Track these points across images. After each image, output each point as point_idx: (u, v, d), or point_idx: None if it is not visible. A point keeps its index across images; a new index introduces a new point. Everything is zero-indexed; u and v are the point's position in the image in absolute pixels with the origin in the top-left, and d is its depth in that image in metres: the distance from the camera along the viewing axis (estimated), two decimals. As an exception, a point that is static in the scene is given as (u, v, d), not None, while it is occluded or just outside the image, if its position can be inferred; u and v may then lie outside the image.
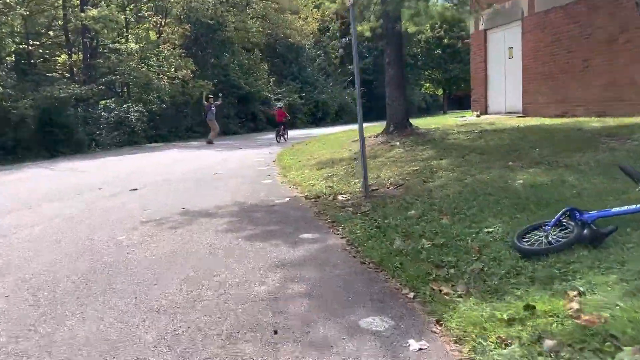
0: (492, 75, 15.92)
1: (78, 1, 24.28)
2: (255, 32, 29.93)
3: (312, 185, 7.68)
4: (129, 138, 23.00)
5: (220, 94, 23.08)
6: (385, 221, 4.96)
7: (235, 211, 6.49)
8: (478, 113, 15.72)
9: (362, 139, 6.30)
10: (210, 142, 20.53)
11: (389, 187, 6.63)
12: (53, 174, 12.25)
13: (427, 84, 54.58)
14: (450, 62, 48.73)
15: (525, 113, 13.84)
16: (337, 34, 45.18)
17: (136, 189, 8.80)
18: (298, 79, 37.82)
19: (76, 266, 4.46)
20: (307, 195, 7.13)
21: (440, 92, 55.93)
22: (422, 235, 4.39)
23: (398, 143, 9.77)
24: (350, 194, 6.70)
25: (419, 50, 50.77)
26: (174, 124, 26.03)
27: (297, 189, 7.86)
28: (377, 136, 11.27)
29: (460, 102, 57.97)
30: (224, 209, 6.64)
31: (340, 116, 40.75)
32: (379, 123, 28.90)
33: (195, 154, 16.16)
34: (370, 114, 45.63)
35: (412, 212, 5.11)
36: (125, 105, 23.58)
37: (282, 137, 20.07)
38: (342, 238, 4.86)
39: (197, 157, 14.92)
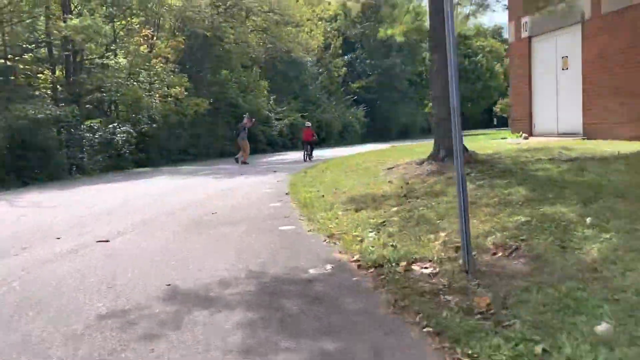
0: (539, 90, 13.64)
1: (60, 12, 22.03)
2: (256, 45, 27.64)
3: (360, 240, 5.24)
4: (114, 162, 20.56)
5: (252, 117, 22.01)
6: (561, 351, 2.52)
7: (252, 293, 4.04)
8: (525, 135, 13.37)
9: (462, 177, 3.88)
10: (245, 163, 19.43)
11: (496, 254, 4.19)
12: (9, 211, 9.77)
13: (430, 103, 52.55)
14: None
15: (587, 135, 11.52)
16: (340, 51, 43.14)
17: (106, 241, 6.34)
18: (300, 98, 35.61)
19: None
20: (358, 260, 4.68)
21: (444, 111, 53.87)
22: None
23: (459, 174, 7.34)
24: (432, 261, 4.27)
25: (423, 68, 48.78)
26: (165, 146, 23.60)
27: (336, 244, 5.41)
28: (421, 163, 8.86)
29: (463, 122, 55.93)
30: (232, 288, 4.19)
31: (343, 137, 38.45)
32: (391, 144, 26.55)
33: (188, 182, 13.72)
34: (372, 134, 43.50)
35: (603, 326, 2.68)
36: (111, 126, 21.14)
37: (308, 157, 19.91)
38: (482, 390, 2.41)
39: (190, 187, 12.48)
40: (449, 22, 3.86)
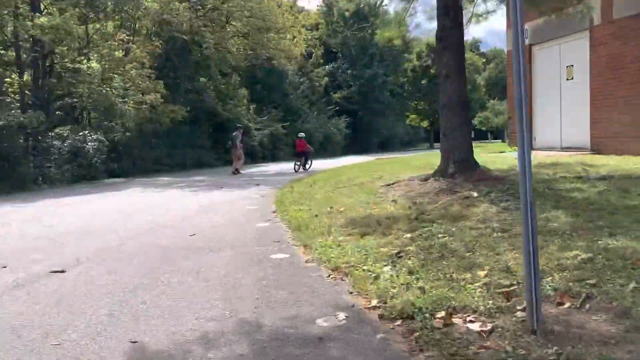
0: (540, 101, 12.88)
1: (30, 12, 20.68)
2: (236, 52, 26.56)
3: (374, 277, 4.26)
4: (84, 172, 19.26)
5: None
6: None
7: (246, 358, 3.02)
8: (528, 148, 12.56)
9: (531, 207, 2.92)
10: (235, 172, 19.56)
11: (562, 304, 3.26)
12: (-45, 229, 8.54)
13: (413, 115, 52.01)
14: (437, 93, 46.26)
15: (596, 149, 10.77)
16: (321, 61, 42.38)
17: (62, 271, 5.26)
18: (280, 107, 34.62)
19: None
20: (378, 306, 3.70)
21: (425, 124, 53.36)
22: None
23: (476, 194, 6.43)
24: (477, 312, 3.31)
25: (405, 79, 48.31)
26: (139, 156, 22.35)
27: (344, 281, 4.43)
28: (426, 179, 7.93)
29: (438, 136, 55.44)
30: (219, 348, 3.17)
31: (325, 148, 37.54)
32: (375, 157, 25.67)
33: (162, 196, 12.60)
34: (354, 146, 42.63)
35: None
36: (81, 134, 19.85)
37: (300, 167, 19.76)
38: None
39: (165, 202, 11.38)
40: (517, 13, 2.90)
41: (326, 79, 41.82)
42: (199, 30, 23.41)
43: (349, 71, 44.77)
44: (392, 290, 3.91)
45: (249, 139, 28.26)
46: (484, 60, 70.35)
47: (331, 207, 7.81)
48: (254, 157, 29.32)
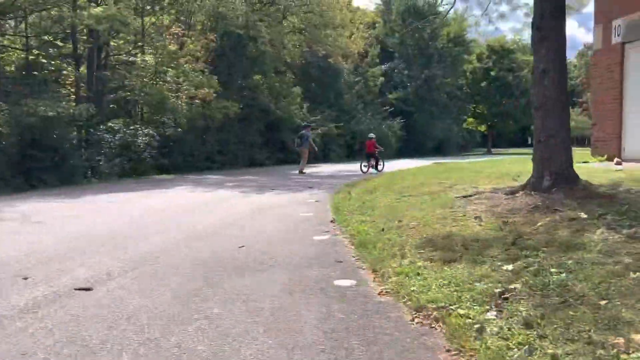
0: (633, 106, 11.42)
1: (87, 3, 20.49)
2: (292, 47, 25.77)
3: (476, 329, 3.20)
4: (134, 167, 18.92)
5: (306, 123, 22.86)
6: None
7: None
8: (618, 159, 11.14)
9: None
10: (302, 172, 19.06)
11: None
12: (-11, 226, 7.95)
13: (470, 119, 49.97)
14: (499, 96, 44.10)
15: None
16: (377, 60, 41.17)
17: (89, 289, 4.44)
18: (334, 107, 33.66)
19: None
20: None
21: (483, 128, 51.19)
22: None
23: (584, 215, 5.24)
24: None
25: (464, 81, 46.47)
26: (190, 152, 21.88)
27: (435, 330, 3.38)
28: (512, 193, 6.77)
29: (495, 141, 52.85)
30: None
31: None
32: (431, 161, 24.42)
33: (211, 197, 11.85)
34: (407, 149, 41.15)
35: None
36: (132, 128, 19.49)
37: (369, 168, 19.18)
38: None
39: (213, 203, 10.60)
40: None
41: (382, 79, 40.58)
42: (255, 24, 22.75)
43: (405, 71, 43.46)
44: (508, 353, 2.85)
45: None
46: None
47: (400, 221, 6.75)
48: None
